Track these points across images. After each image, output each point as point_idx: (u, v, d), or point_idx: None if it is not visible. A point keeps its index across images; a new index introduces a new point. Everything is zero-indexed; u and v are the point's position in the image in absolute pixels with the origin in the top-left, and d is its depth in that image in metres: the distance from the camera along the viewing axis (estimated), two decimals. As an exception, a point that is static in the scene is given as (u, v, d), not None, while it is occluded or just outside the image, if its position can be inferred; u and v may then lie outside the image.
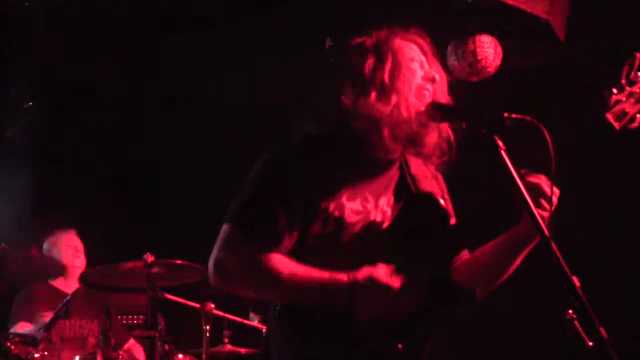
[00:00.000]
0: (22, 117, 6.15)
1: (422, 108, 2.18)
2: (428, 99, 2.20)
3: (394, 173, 2.29)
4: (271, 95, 6.03)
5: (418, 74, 2.22)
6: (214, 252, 2.13)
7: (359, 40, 2.30)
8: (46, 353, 3.98)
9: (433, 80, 2.23)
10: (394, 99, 2.15)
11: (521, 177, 1.98)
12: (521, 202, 1.94)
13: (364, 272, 2.04)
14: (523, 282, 4.54)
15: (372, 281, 2.02)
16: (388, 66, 2.18)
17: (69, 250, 5.10)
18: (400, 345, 2.06)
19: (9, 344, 3.93)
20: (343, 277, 2.04)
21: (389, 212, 2.23)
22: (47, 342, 4.11)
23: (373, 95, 2.15)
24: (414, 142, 2.20)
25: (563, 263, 1.86)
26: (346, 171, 2.18)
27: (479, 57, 4.79)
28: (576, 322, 1.82)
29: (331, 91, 2.24)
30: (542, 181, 2.06)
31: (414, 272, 2.07)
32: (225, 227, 2.13)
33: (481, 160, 1.99)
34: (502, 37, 4.84)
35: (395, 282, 2.03)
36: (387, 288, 2.01)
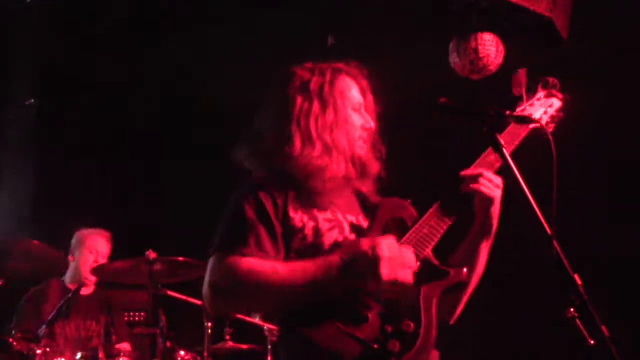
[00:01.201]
0: (23, 115, 6.14)
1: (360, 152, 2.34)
2: (363, 147, 2.36)
3: (353, 199, 2.41)
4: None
5: (356, 123, 2.37)
6: (206, 280, 2.12)
7: (297, 77, 2.41)
8: (48, 349, 3.97)
9: (369, 128, 2.38)
10: (318, 147, 2.28)
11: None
12: (524, 198, 1.98)
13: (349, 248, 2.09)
14: (524, 281, 4.57)
15: (358, 250, 2.05)
16: (315, 110, 2.32)
17: (90, 257, 4.84)
18: (411, 324, 2.07)
19: (10, 339, 3.93)
20: (334, 256, 2.07)
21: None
22: (49, 338, 4.11)
23: (298, 143, 2.27)
24: (361, 175, 2.35)
25: (564, 261, 1.86)
26: (310, 194, 2.26)
27: (480, 55, 4.78)
28: (577, 321, 1.82)
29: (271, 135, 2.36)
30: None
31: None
32: (211, 258, 2.14)
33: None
34: (504, 36, 4.83)
35: (383, 251, 2.03)
36: (375, 256, 2.02)
